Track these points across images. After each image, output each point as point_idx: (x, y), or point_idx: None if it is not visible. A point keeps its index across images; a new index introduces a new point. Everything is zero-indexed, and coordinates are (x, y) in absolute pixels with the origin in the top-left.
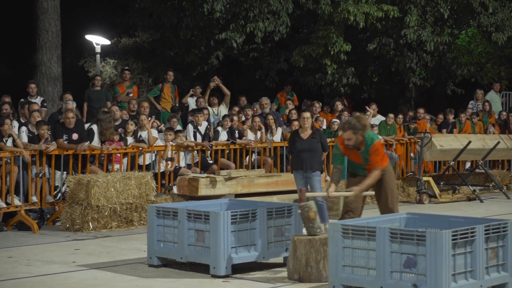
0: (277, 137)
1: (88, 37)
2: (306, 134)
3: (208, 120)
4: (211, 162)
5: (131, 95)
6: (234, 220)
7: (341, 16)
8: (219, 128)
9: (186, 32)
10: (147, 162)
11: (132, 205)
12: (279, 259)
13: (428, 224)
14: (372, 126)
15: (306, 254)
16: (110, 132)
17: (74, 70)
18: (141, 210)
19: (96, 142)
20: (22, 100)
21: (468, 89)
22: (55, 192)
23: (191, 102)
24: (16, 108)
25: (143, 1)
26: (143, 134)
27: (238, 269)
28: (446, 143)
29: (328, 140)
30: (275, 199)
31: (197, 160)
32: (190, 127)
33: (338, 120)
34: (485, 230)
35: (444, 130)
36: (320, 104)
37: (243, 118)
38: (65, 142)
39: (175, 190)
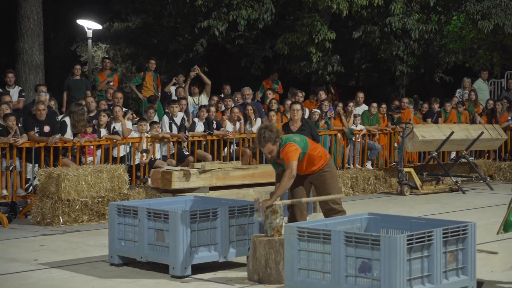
0: (256, 127)
1: (80, 21)
2: (295, 126)
3: (186, 111)
4: (187, 153)
5: (111, 83)
6: (193, 219)
7: (325, 4)
8: (196, 119)
9: (169, 19)
10: (121, 154)
11: (104, 198)
12: (243, 259)
13: (389, 225)
14: (355, 116)
15: (266, 255)
16: (82, 124)
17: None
18: None
19: (68, 134)
20: None
21: (462, 77)
22: (27, 185)
23: (174, 91)
24: None
25: None
26: (117, 126)
27: (200, 269)
28: (428, 133)
29: None
30: (251, 191)
31: (173, 151)
32: (165, 118)
33: (318, 110)
34: (443, 234)
35: (429, 120)
36: (303, 93)
37: (223, 108)
38: (36, 135)
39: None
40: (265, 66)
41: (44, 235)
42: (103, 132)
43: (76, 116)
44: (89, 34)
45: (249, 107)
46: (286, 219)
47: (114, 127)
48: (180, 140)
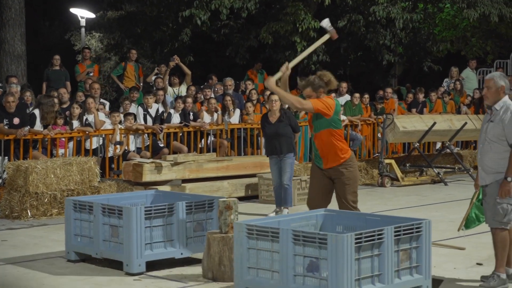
0: (235, 118)
1: (73, 10)
2: (274, 117)
3: (164, 101)
4: (162, 146)
5: (91, 74)
6: (148, 216)
7: None
8: (171, 111)
9: (152, 8)
10: (94, 147)
11: (74, 191)
12: (201, 255)
13: (345, 223)
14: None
15: (220, 252)
16: (51, 116)
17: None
18: None
19: (38, 126)
20: None
21: (454, 66)
22: None
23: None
24: None
25: None
26: (90, 117)
27: (156, 266)
28: (410, 124)
29: None
30: (225, 184)
31: (148, 144)
32: (140, 110)
33: None
34: (395, 232)
35: (414, 110)
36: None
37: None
38: (6, 127)
39: None
40: (251, 56)
41: (10, 229)
42: (75, 124)
43: (45, 108)
44: (83, 23)
45: (228, 98)
46: (239, 216)
47: (86, 119)
48: (155, 132)
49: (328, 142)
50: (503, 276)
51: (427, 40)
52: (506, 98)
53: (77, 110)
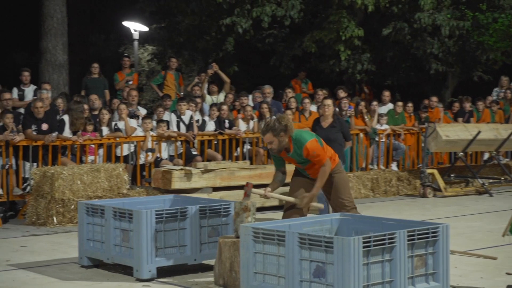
0: None
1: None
2: (326, 123)
3: (201, 109)
4: (195, 153)
5: (130, 83)
6: (159, 219)
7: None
8: (206, 118)
9: (193, 18)
10: (125, 154)
11: (101, 198)
12: None
13: (361, 227)
14: (380, 115)
15: (231, 258)
16: (81, 122)
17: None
18: None
19: (67, 133)
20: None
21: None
22: (25, 184)
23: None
24: None
25: None
26: (119, 123)
27: (169, 272)
28: (453, 133)
29: None
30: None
31: (181, 151)
32: (172, 117)
33: (337, 109)
34: (409, 236)
35: (460, 119)
36: (324, 91)
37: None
38: (34, 133)
39: None
40: (296, 65)
41: (33, 235)
42: (105, 130)
43: (75, 114)
44: (136, 36)
45: (264, 105)
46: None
47: (115, 124)
48: (187, 139)
49: (315, 167)
50: None
51: (476, 49)
52: None
53: (106, 116)
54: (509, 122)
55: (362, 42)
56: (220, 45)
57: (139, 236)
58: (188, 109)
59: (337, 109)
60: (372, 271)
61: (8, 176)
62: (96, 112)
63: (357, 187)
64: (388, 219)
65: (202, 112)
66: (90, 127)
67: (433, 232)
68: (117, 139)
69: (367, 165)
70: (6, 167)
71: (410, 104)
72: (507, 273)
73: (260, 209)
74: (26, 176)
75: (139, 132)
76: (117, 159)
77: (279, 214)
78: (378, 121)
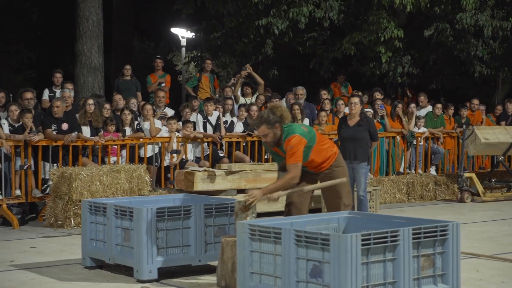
0: None
1: (174, 30)
2: (353, 121)
3: (232, 111)
4: (222, 155)
5: (163, 85)
6: (161, 218)
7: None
8: (235, 119)
9: (230, 19)
10: (149, 155)
11: None
12: None
13: (369, 226)
14: (418, 117)
15: (233, 258)
16: (96, 119)
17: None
18: None
19: (86, 132)
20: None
21: None
22: (45, 185)
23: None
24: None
25: None
26: (146, 124)
27: (171, 273)
28: (493, 136)
29: None
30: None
31: (208, 153)
32: (199, 118)
33: (371, 110)
34: (414, 234)
35: (503, 123)
36: (360, 93)
37: None
38: (54, 133)
39: None
40: (336, 68)
41: (47, 237)
42: (128, 131)
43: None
44: (183, 42)
45: (296, 107)
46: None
47: (138, 124)
48: (214, 140)
49: (317, 158)
50: None
51: None
52: None
53: (129, 117)
54: None
55: (404, 44)
56: (259, 48)
57: (139, 235)
58: (215, 109)
59: (371, 111)
60: (373, 271)
61: (27, 177)
62: (119, 113)
63: (391, 191)
64: (399, 217)
65: (233, 113)
66: (112, 128)
67: (441, 231)
68: (141, 140)
69: (404, 169)
70: (25, 167)
71: (450, 107)
72: None
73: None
74: (46, 177)
75: (164, 133)
76: (141, 160)
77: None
78: (416, 124)
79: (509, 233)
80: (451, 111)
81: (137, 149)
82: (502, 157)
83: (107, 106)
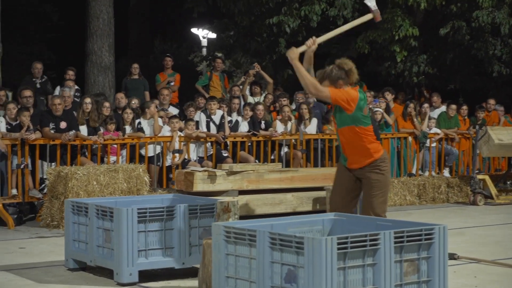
0: (311, 128)
1: (194, 30)
2: None
3: (239, 110)
4: (225, 155)
5: (172, 84)
6: (142, 219)
7: None
8: (239, 118)
9: (241, 18)
10: (151, 154)
11: None
12: None
13: (356, 229)
14: (430, 118)
15: None
16: (94, 118)
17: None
18: None
19: (83, 130)
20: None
21: None
22: (43, 185)
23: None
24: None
25: None
26: (143, 123)
27: (153, 276)
28: (507, 136)
29: None
30: (289, 196)
31: (211, 153)
32: (202, 116)
33: (381, 109)
34: (396, 237)
35: None
36: (372, 93)
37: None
38: (52, 131)
39: None
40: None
41: (40, 237)
42: (128, 129)
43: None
44: (204, 42)
45: (304, 106)
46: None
47: (139, 123)
48: (218, 140)
49: (352, 141)
50: None
51: None
52: None
53: (130, 116)
54: None
55: (420, 43)
56: (273, 47)
57: (119, 236)
58: (219, 108)
59: (380, 110)
60: (351, 276)
61: (24, 176)
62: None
63: (402, 193)
64: (387, 220)
65: (240, 113)
66: (112, 126)
67: (426, 234)
68: (141, 139)
69: (417, 171)
70: (22, 166)
71: (464, 107)
72: None
73: (291, 214)
74: (44, 177)
75: (166, 132)
76: (143, 160)
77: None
78: (428, 125)
79: None
80: (464, 111)
81: (137, 149)
82: None
83: (107, 104)
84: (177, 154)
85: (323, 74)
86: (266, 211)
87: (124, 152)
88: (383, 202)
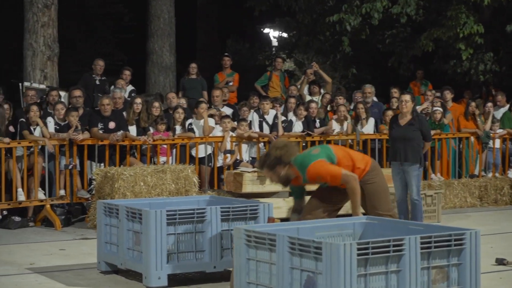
0: (368, 128)
1: (266, 31)
2: (404, 120)
3: (295, 110)
4: None
5: (231, 84)
6: (171, 221)
7: None
8: (293, 118)
9: (303, 15)
10: (202, 155)
11: None
12: None
13: (387, 233)
14: (493, 121)
15: None
16: (143, 119)
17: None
18: None
19: (132, 130)
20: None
21: None
22: (91, 186)
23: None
24: None
25: None
26: (195, 123)
27: (185, 280)
28: None
29: (432, 132)
30: None
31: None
32: (255, 116)
33: (440, 109)
34: (423, 243)
35: None
36: (434, 91)
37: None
38: (100, 131)
39: None
40: (416, 67)
41: (83, 239)
42: (178, 130)
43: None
44: (274, 43)
45: (360, 106)
46: None
47: (190, 123)
48: (270, 140)
49: (335, 187)
50: None
51: None
52: None
53: (182, 115)
54: None
55: (486, 40)
56: (337, 46)
57: (147, 239)
58: (272, 108)
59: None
60: (372, 284)
61: (72, 177)
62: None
63: (462, 195)
64: (416, 223)
65: (296, 112)
66: (162, 127)
67: (456, 240)
68: (191, 139)
69: (479, 172)
70: (70, 167)
71: None
72: None
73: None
74: (93, 178)
75: (218, 132)
76: (193, 160)
77: None
78: (491, 128)
79: None
80: None
81: (187, 149)
82: None
83: (156, 104)
84: (228, 155)
85: (260, 162)
86: None
87: (174, 152)
88: (386, 202)
